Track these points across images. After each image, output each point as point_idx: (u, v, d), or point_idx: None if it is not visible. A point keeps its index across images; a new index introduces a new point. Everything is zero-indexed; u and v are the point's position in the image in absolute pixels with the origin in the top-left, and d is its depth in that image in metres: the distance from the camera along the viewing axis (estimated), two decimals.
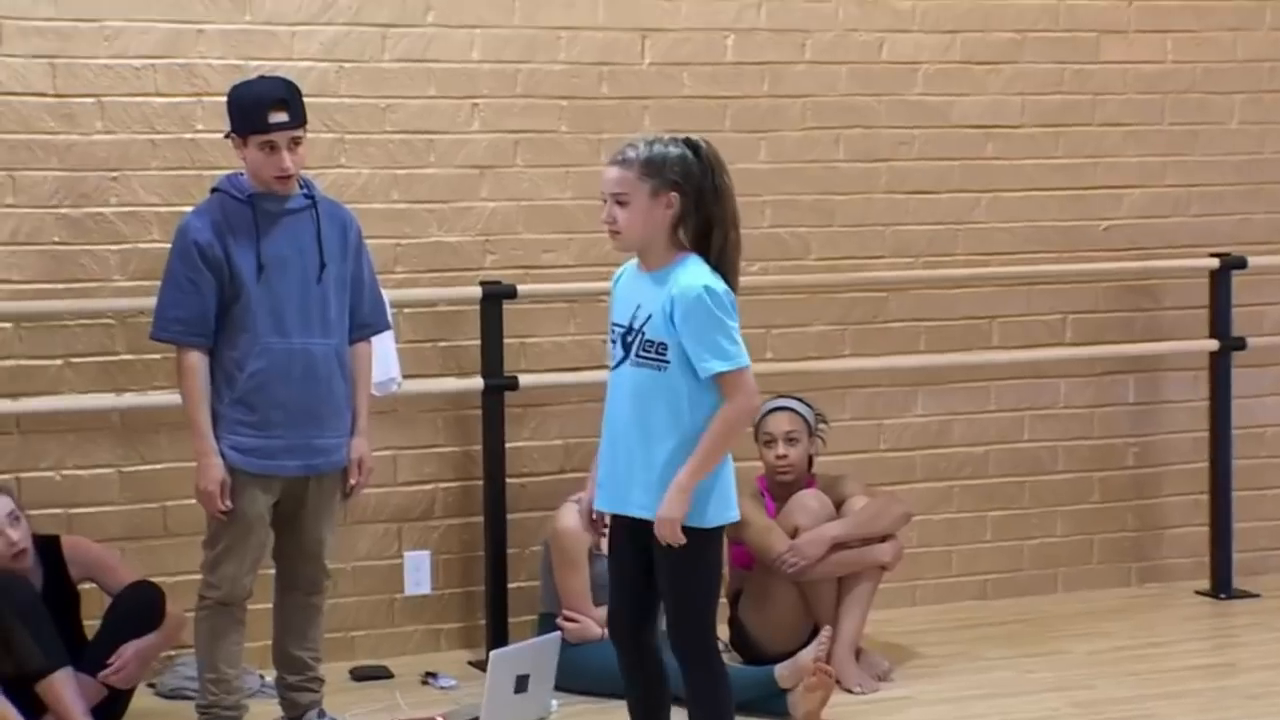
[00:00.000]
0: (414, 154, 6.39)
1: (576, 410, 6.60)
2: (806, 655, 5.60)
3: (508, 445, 6.38)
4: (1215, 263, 7.12)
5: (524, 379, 6.39)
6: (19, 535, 5.37)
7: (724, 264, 4.56)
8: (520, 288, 6.37)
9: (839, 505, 6.19)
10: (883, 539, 6.14)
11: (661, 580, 4.60)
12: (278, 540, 5.32)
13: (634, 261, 4.70)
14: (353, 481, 5.34)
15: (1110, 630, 6.70)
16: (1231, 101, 7.38)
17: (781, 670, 5.68)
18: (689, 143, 4.56)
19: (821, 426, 6.28)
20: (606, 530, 4.75)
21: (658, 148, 4.53)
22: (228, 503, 5.11)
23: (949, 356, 7.04)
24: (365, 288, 5.38)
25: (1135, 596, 7.23)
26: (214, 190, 5.26)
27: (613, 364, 4.66)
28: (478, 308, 6.33)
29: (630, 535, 4.65)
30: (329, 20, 6.25)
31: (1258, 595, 7.18)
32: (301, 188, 5.25)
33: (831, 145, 6.81)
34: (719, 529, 4.60)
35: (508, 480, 6.39)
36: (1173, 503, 7.42)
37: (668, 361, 4.50)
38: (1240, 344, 7.14)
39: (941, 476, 7.10)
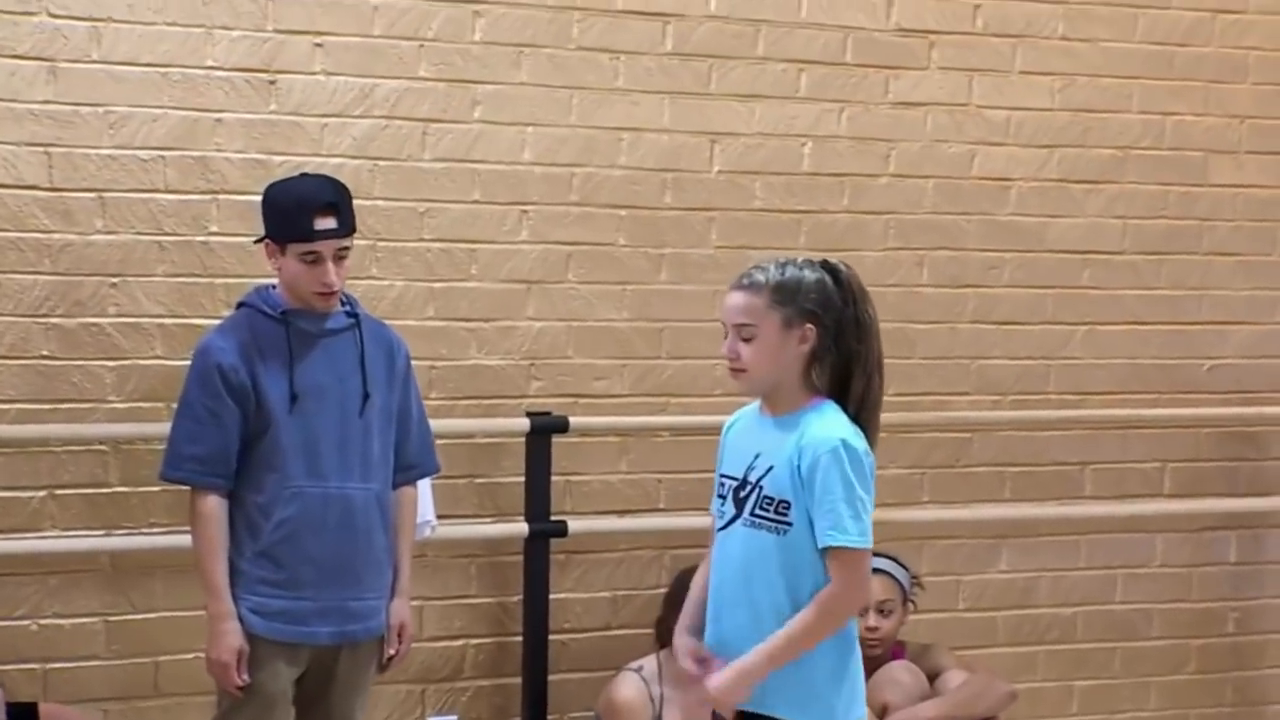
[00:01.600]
0: (454, 265, 5.59)
1: (626, 558, 5.81)
2: None
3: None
4: None
5: (573, 524, 5.57)
6: None
7: (864, 414, 3.80)
8: (572, 419, 5.56)
9: (931, 679, 5.39)
10: None
11: None
12: (299, 718, 4.43)
13: (753, 406, 3.90)
14: (391, 651, 4.49)
15: None
16: None
17: None
18: (827, 266, 3.82)
19: (915, 591, 5.46)
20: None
21: (791, 270, 3.77)
22: (245, 676, 4.25)
23: (1037, 507, 6.25)
24: (413, 422, 4.57)
25: None
26: (240, 305, 4.45)
27: (720, 523, 3.88)
28: (522, 440, 5.52)
29: None
30: (364, 112, 5.45)
31: None
32: (343, 304, 4.43)
33: (915, 268, 6.04)
34: None
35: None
36: (1276, 675, 6.62)
37: (789, 523, 3.71)
38: None
39: (1025, 640, 6.29)
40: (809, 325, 3.73)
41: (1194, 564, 6.50)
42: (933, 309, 6.06)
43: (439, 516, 5.24)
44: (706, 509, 5.73)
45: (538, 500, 5.50)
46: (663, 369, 5.81)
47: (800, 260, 3.81)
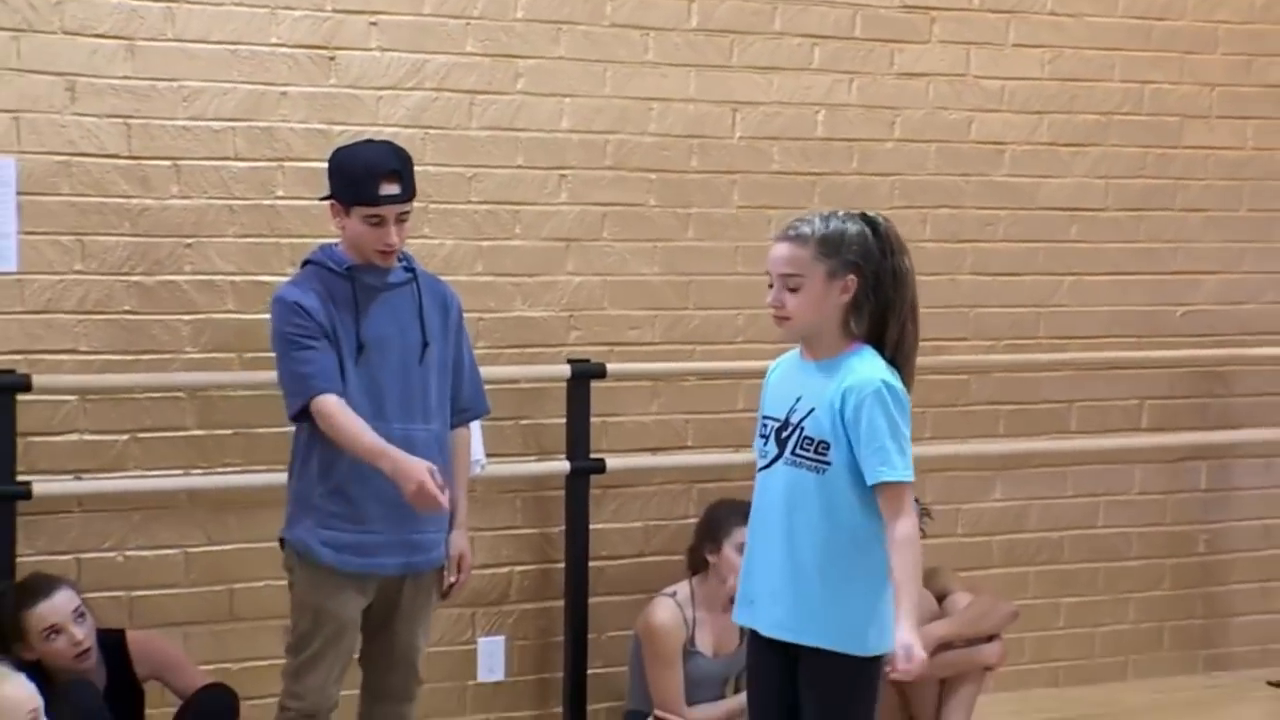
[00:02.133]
0: (499, 225, 5.41)
1: (658, 492, 5.66)
2: None
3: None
4: None
5: (611, 461, 5.41)
6: (84, 633, 4.36)
7: (900, 358, 3.63)
8: (609, 366, 5.40)
9: (939, 599, 5.24)
10: (988, 638, 5.16)
11: (809, 714, 3.61)
12: (366, 646, 4.30)
13: (794, 351, 3.73)
14: (451, 580, 4.33)
15: None
16: None
17: None
18: (866, 219, 3.63)
19: (925, 520, 5.30)
20: None
21: (835, 224, 3.59)
22: (445, 491, 3.98)
23: (1028, 442, 6.10)
24: (465, 369, 4.40)
25: (1206, 687, 6.28)
26: (306, 262, 4.26)
27: (763, 463, 3.70)
28: (563, 386, 5.36)
29: (768, 654, 3.68)
30: (416, 85, 5.27)
31: None
32: (400, 260, 4.25)
33: (918, 225, 5.84)
34: (878, 659, 3.60)
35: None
36: (1241, 590, 6.47)
37: (829, 463, 3.54)
38: None
39: (1017, 562, 6.14)
40: (851, 276, 3.56)
41: (1169, 491, 6.36)
42: (934, 262, 5.86)
43: (487, 455, 5.08)
44: (730, 447, 5.67)
45: (578, 440, 5.35)
46: (690, 319, 5.65)
47: (842, 213, 3.63)
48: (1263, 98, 6.37)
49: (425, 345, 4.22)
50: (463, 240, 5.34)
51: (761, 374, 5.61)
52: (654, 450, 5.60)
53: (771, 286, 3.63)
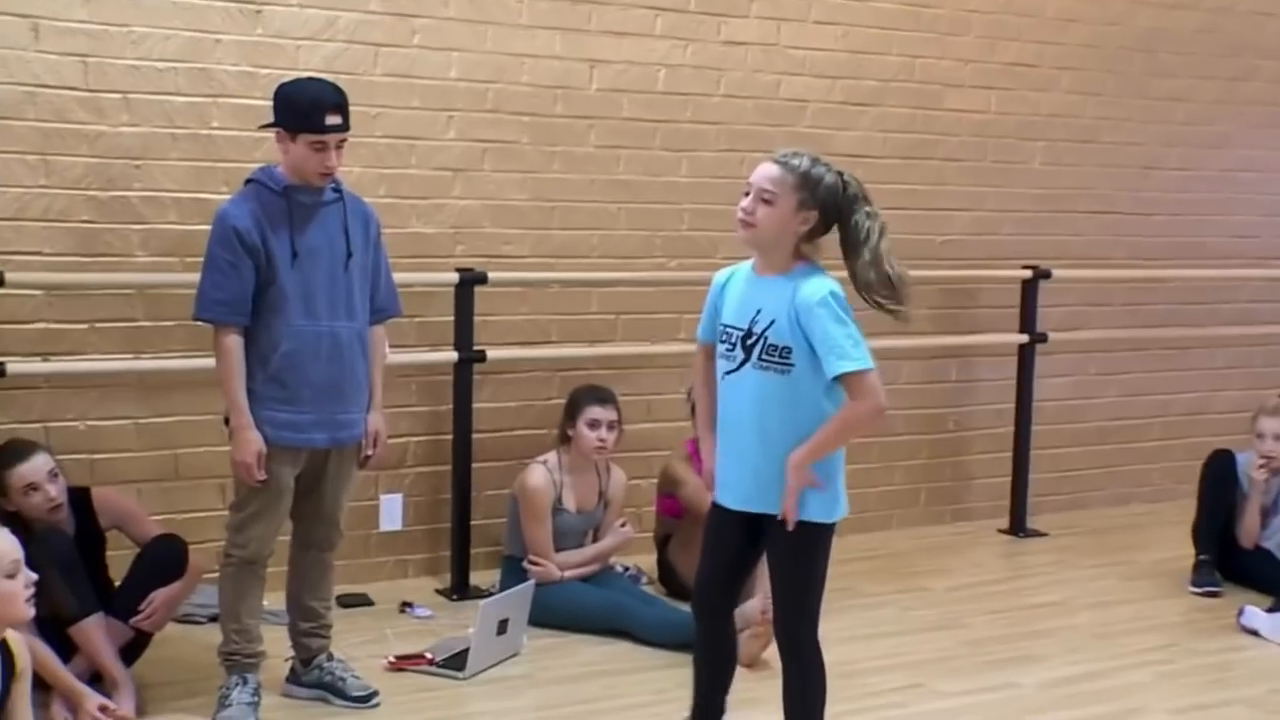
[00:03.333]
0: (398, 156, 5.15)
1: (528, 378, 5.47)
2: (754, 606, 4.46)
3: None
4: (1028, 273, 6.22)
5: (490, 353, 5.20)
6: (56, 491, 4.06)
7: (867, 292, 3.37)
8: (490, 275, 5.16)
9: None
10: None
11: (773, 573, 3.45)
12: (297, 504, 4.05)
13: (744, 266, 3.48)
14: (369, 452, 4.10)
15: (951, 567, 5.73)
16: (1035, 146, 6.43)
17: None
18: (840, 174, 3.38)
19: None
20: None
21: (818, 168, 3.36)
22: (263, 473, 3.84)
23: None
24: (383, 276, 4.13)
25: (953, 534, 6.30)
26: (249, 181, 3.96)
27: (730, 367, 3.42)
28: (451, 290, 5.13)
29: (739, 523, 3.45)
30: (330, 37, 4.98)
31: (1046, 534, 6.27)
32: (330, 182, 3.97)
33: (738, 165, 5.65)
34: (831, 526, 3.42)
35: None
36: (980, 459, 6.48)
37: (792, 365, 3.32)
38: (1044, 338, 6.26)
39: None
40: (814, 212, 3.33)
41: (927, 382, 6.33)
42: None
43: (390, 347, 4.83)
44: (586, 342, 5.50)
45: (464, 334, 5.13)
46: (554, 237, 5.45)
47: (824, 160, 3.38)
48: (1003, 73, 6.31)
49: (350, 255, 3.96)
50: (368, 168, 5.07)
51: (611, 283, 5.55)
52: (525, 344, 5.42)
53: (747, 194, 3.37)
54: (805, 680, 3.47)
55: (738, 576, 3.56)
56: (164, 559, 4.15)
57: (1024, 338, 6.22)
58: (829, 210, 3.35)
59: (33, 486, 4.01)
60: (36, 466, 4.02)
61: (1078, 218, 6.54)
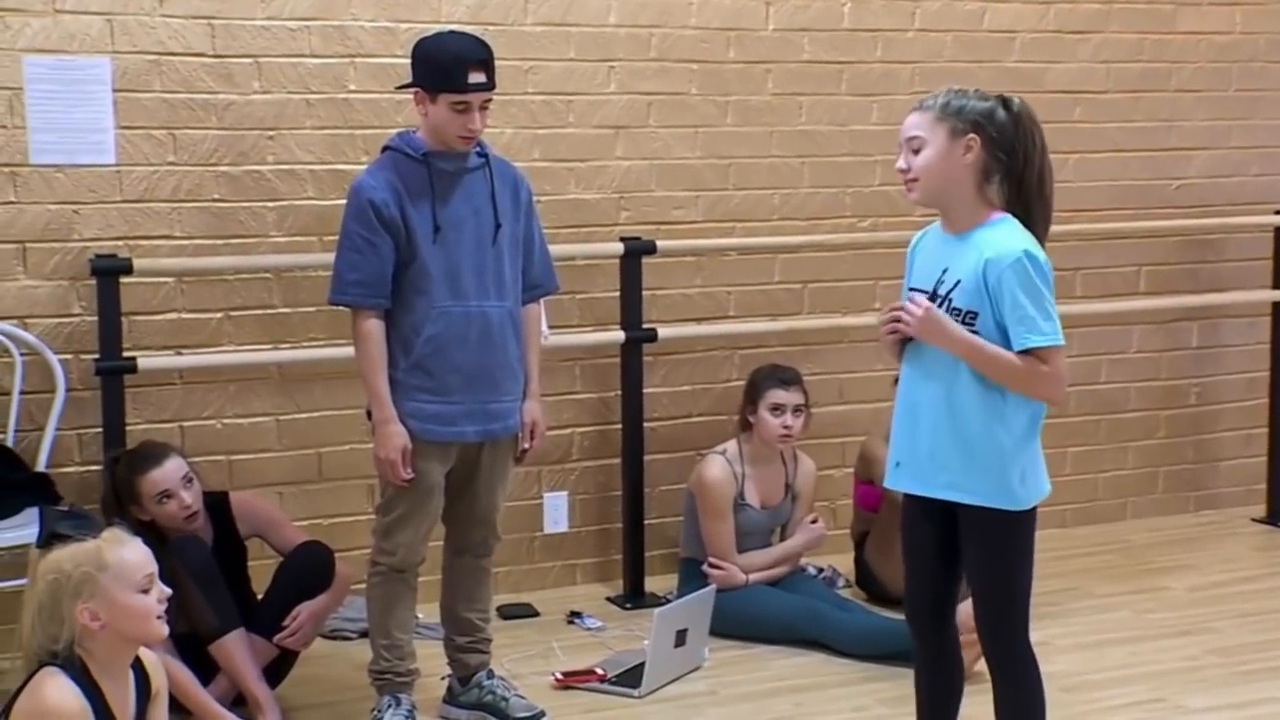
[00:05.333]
0: (554, 114, 5.09)
1: (704, 358, 5.38)
2: (965, 610, 4.27)
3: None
4: (1279, 219, 5.91)
5: (661, 331, 5.13)
6: (192, 498, 4.09)
7: (1035, 229, 3.22)
8: (659, 243, 5.09)
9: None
10: None
11: (970, 574, 3.30)
12: (449, 505, 4.02)
13: (936, 226, 3.32)
14: (525, 445, 4.03)
15: (1196, 563, 5.50)
16: None
17: None
18: (1001, 97, 3.22)
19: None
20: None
21: (960, 96, 3.20)
22: (409, 471, 3.81)
23: None
24: (536, 248, 4.07)
25: (1197, 524, 6.03)
26: (385, 149, 3.93)
27: None
28: (616, 262, 5.06)
29: (931, 516, 3.30)
30: None
31: None
32: (474, 146, 3.92)
33: None
34: (1031, 511, 3.24)
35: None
36: (1228, 438, 6.20)
37: (977, 331, 3.15)
38: None
39: None
40: (972, 135, 3.15)
41: (1163, 349, 6.07)
42: None
43: (549, 327, 4.80)
44: (768, 316, 5.38)
45: (631, 311, 5.06)
46: (730, 198, 5.34)
47: (973, 90, 3.23)
48: None
49: (498, 226, 3.91)
50: (521, 129, 5.03)
51: (796, 249, 5.42)
52: (699, 320, 5.32)
53: (899, 154, 3.24)
54: (1016, 694, 3.30)
55: (948, 580, 3.39)
56: (309, 569, 4.16)
57: (1278, 294, 5.95)
58: (991, 127, 3.15)
59: (167, 494, 4.05)
60: (170, 472, 4.05)
61: None
